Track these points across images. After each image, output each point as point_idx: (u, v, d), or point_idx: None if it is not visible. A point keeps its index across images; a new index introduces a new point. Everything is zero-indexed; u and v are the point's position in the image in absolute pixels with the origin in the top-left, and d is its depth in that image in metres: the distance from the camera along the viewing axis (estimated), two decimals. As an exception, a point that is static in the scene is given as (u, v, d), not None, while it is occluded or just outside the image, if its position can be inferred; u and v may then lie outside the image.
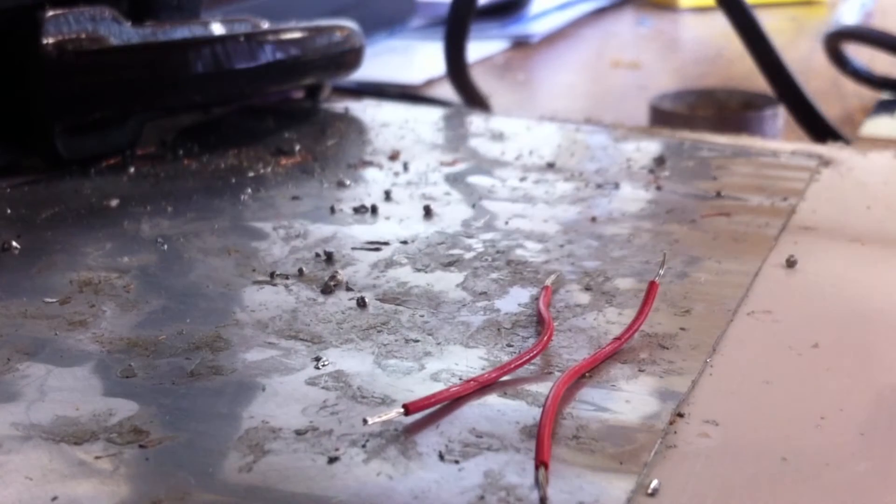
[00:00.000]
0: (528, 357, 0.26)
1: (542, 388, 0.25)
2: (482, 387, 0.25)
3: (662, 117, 0.53)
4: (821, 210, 0.38)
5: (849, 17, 0.79)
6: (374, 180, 0.41)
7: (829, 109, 0.50)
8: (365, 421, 0.22)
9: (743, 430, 0.23)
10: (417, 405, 0.23)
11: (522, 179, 0.41)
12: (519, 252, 0.34)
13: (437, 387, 0.25)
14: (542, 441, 0.22)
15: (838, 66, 0.58)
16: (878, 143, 0.50)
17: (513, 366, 0.25)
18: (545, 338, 0.27)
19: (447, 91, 0.61)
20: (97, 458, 0.22)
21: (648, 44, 0.84)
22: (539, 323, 0.28)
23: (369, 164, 0.44)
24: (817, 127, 0.49)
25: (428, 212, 0.37)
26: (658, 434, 0.23)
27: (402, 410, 0.23)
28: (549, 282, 0.31)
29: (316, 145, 0.46)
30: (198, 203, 0.39)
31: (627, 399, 0.24)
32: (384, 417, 0.23)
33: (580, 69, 0.75)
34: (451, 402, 0.24)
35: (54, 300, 0.30)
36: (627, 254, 0.33)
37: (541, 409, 0.23)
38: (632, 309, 0.29)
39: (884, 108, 0.56)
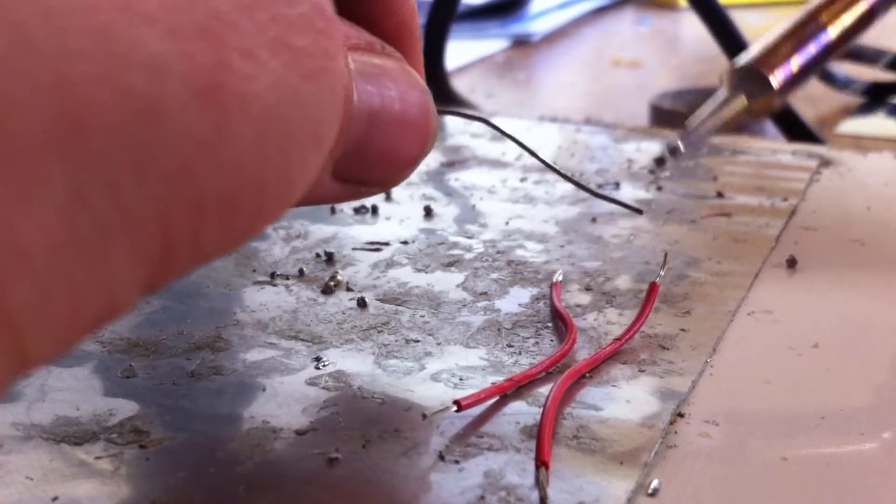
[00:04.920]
0: (559, 355, 0.26)
1: (543, 388, 0.25)
2: (519, 385, 0.25)
3: (663, 116, 0.53)
4: (821, 210, 0.38)
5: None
6: (375, 180, 0.41)
7: (804, 112, 0.50)
8: (424, 416, 0.23)
9: (743, 430, 0.23)
10: (468, 401, 0.23)
11: (523, 180, 0.41)
12: (519, 252, 0.34)
13: (438, 387, 0.25)
14: (542, 441, 0.22)
15: (823, 81, 0.58)
16: (845, 141, 0.50)
17: (548, 363, 0.26)
18: (573, 334, 0.27)
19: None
20: (98, 458, 0.22)
21: (649, 43, 0.84)
22: (557, 319, 0.28)
23: (370, 163, 0.44)
24: (792, 127, 0.49)
25: (428, 212, 0.37)
26: (658, 434, 0.23)
27: (454, 407, 0.23)
28: (558, 278, 0.31)
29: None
30: (198, 203, 0.39)
31: (628, 399, 0.24)
32: (441, 413, 0.23)
33: (581, 68, 0.75)
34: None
35: (55, 300, 0.30)
36: (628, 254, 0.33)
37: (541, 410, 0.23)
38: (632, 309, 0.29)
39: (866, 110, 0.57)
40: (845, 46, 0.30)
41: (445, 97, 0.57)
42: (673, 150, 0.27)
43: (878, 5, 0.30)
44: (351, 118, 0.18)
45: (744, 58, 0.29)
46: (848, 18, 0.30)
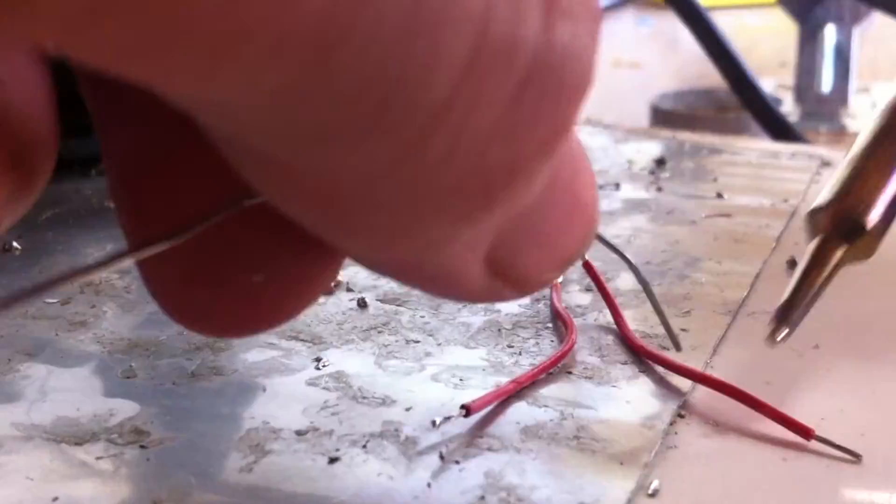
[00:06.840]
0: (560, 355, 0.26)
1: (543, 388, 0.25)
2: (521, 387, 0.25)
3: (663, 117, 0.53)
4: (821, 210, 0.37)
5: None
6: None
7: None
8: (434, 422, 0.23)
9: (743, 431, 0.23)
10: (477, 405, 0.23)
11: (523, 180, 0.41)
12: (519, 252, 0.34)
13: (439, 387, 0.25)
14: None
15: None
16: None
17: (549, 364, 0.26)
18: (573, 335, 0.27)
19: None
20: (98, 458, 0.22)
21: (649, 43, 0.84)
22: (556, 320, 0.28)
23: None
24: (777, 127, 0.49)
25: (428, 212, 0.37)
26: (658, 434, 0.23)
27: (463, 412, 0.23)
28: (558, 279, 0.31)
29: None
30: (198, 203, 0.39)
31: (628, 399, 0.24)
32: (447, 420, 0.23)
33: (581, 69, 0.75)
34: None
35: (55, 301, 0.30)
36: (628, 254, 0.33)
37: (541, 409, 0.24)
38: (632, 309, 0.29)
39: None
40: None
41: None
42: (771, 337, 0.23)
43: None
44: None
45: (821, 198, 0.24)
46: None
